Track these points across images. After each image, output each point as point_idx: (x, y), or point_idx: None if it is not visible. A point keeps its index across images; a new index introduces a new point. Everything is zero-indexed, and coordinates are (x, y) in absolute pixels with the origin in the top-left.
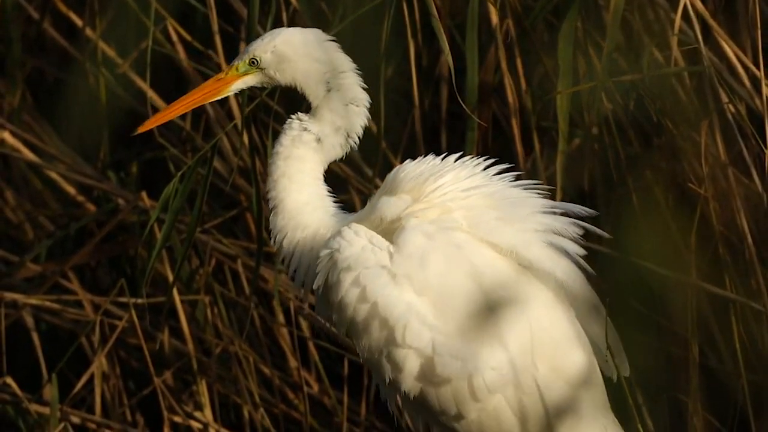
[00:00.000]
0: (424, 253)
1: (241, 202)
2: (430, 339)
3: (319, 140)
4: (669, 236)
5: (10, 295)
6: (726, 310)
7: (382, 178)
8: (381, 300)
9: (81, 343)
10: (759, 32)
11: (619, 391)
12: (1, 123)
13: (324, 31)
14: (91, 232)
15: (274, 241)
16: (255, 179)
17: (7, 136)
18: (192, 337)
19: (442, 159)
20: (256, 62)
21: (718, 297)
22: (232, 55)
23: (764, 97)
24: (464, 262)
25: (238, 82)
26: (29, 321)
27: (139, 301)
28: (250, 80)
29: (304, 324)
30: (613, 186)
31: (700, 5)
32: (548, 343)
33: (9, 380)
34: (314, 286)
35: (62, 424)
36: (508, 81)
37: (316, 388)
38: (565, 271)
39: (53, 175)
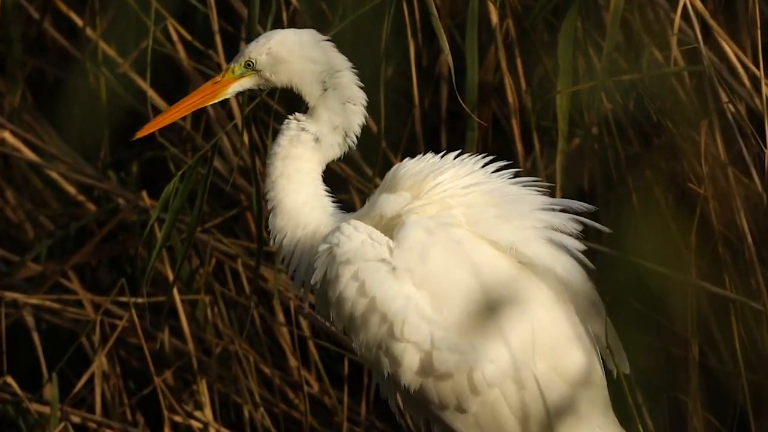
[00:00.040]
0: (424, 247)
1: (242, 201)
2: (428, 333)
3: (317, 140)
4: (669, 236)
5: (10, 295)
6: (726, 310)
7: (382, 178)
8: (380, 294)
9: (81, 343)
10: (759, 32)
11: (619, 391)
12: (1, 123)
13: (324, 31)
14: (91, 231)
15: (274, 242)
16: (255, 179)
17: (7, 135)
18: (192, 336)
19: (442, 157)
20: (251, 64)
21: (718, 297)
22: (232, 54)
23: (764, 97)
24: (464, 257)
25: (234, 85)
26: (29, 320)
27: (140, 300)
28: (247, 83)
29: (304, 323)
30: (613, 186)
31: (699, 5)
32: (548, 342)
33: (9, 380)
34: (312, 281)
35: (62, 424)
36: (508, 81)
37: (316, 387)
38: (565, 267)
39: (54, 174)
